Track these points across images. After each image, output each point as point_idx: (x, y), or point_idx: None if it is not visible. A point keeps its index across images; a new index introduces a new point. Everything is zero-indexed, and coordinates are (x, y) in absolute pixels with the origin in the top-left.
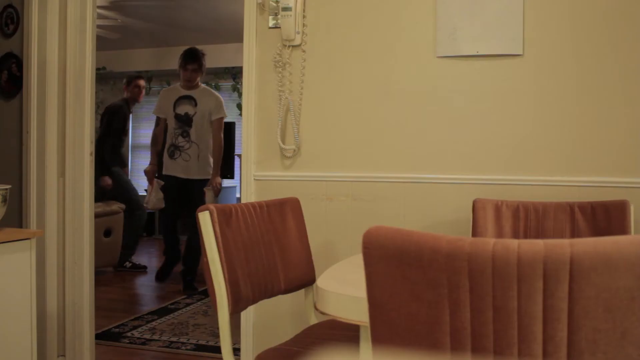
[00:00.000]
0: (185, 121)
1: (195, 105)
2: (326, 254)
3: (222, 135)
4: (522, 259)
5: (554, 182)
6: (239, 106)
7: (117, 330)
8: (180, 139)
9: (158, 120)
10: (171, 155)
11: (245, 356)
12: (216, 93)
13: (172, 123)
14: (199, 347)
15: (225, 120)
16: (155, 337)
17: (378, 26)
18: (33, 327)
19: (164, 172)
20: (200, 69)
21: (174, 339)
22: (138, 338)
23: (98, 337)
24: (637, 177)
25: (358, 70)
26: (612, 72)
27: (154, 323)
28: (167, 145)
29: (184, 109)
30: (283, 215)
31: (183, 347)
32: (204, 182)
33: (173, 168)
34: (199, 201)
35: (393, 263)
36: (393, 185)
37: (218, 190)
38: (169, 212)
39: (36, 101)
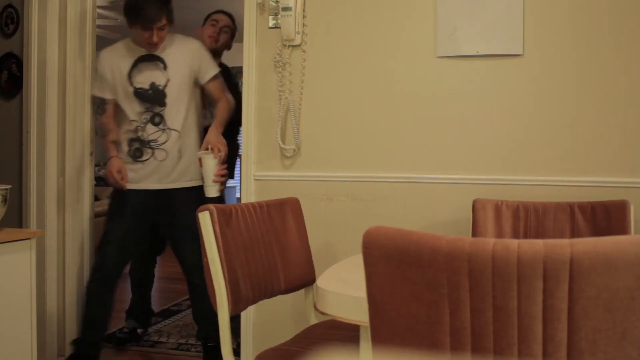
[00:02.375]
0: (153, 98)
1: (165, 68)
2: (326, 254)
3: (229, 95)
4: (522, 259)
5: (554, 182)
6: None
7: (121, 336)
8: (150, 128)
9: (103, 104)
10: (136, 157)
11: (245, 356)
12: (191, 38)
13: (131, 105)
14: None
15: None
16: (163, 339)
17: (378, 26)
18: (33, 327)
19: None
20: (170, 21)
21: (182, 340)
22: (145, 341)
23: (104, 340)
24: (637, 177)
25: (358, 70)
26: (612, 72)
27: (159, 325)
28: (127, 141)
29: (148, 77)
30: (283, 215)
31: (193, 350)
32: (192, 192)
33: (140, 176)
34: (187, 221)
35: (393, 263)
36: (393, 185)
37: (222, 157)
38: (138, 258)
39: (36, 101)
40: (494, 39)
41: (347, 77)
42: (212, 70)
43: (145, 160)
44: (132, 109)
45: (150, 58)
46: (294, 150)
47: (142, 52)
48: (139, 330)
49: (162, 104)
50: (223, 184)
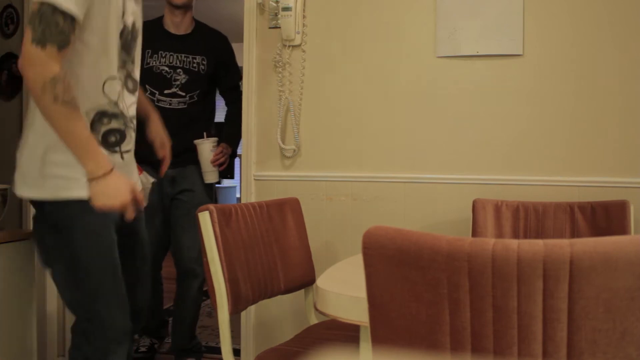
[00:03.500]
0: (131, 47)
1: (137, 3)
2: (326, 254)
3: None
4: (522, 259)
5: (554, 182)
6: None
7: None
8: (127, 96)
9: (69, 32)
10: (110, 144)
11: (245, 356)
12: None
13: (111, 53)
14: (210, 350)
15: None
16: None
17: (378, 26)
18: (33, 327)
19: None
20: None
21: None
22: None
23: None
24: (637, 177)
25: (358, 70)
26: (612, 72)
27: None
28: (93, 116)
29: (133, 12)
30: (283, 215)
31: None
32: None
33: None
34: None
35: (393, 263)
36: (393, 185)
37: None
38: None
39: None
40: (494, 39)
41: (347, 77)
42: None
43: (127, 152)
44: (111, 60)
45: None
46: (294, 150)
47: None
48: (156, 345)
49: (133, 60)
50: (222, 165)
